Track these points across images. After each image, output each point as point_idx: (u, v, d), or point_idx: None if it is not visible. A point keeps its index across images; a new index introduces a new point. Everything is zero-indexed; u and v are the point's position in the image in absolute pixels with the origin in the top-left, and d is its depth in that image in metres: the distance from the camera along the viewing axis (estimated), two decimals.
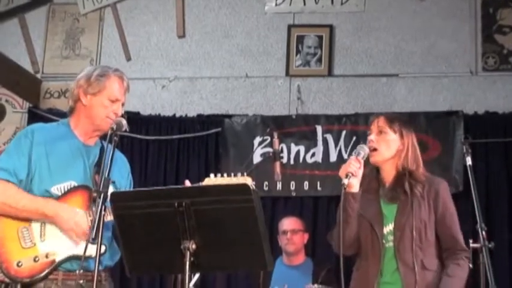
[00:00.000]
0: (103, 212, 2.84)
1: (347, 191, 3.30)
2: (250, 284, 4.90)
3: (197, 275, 4.62)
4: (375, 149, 3.41)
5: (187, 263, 2.65)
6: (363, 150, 3.38)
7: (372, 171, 3.49)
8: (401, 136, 3.45)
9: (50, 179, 3.11)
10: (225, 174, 3.45)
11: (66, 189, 3.12)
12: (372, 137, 3.45)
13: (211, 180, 3.45)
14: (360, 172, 3.33)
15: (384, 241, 3.35)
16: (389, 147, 3.43)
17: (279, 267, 5.30)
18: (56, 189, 3.11)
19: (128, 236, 2.78)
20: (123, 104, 3.29)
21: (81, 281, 3.00)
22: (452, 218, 3.43)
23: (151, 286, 6.08)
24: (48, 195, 3.10)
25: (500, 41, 6.23)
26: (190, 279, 2.79)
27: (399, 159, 3.43)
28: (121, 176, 3.34)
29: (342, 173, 3.32)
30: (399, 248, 3.31)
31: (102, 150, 3.21)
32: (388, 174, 3.46)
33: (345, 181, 3.27)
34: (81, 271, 2.96)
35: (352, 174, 3.28)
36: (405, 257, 3.30)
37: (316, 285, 4.70)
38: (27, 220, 3.07)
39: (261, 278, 5.10)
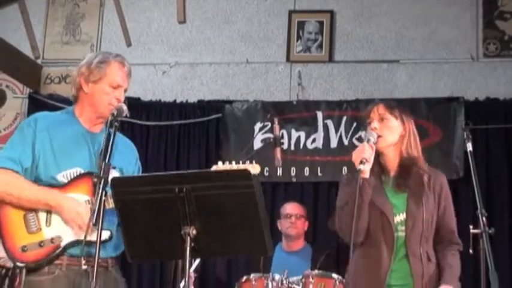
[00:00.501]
0: (103, 198, 2.83)
1: (361, 176, 3.28)
2: (250, 269, 4.90)
3: (197, 261, 4.65)
4: (379, 136, 3.41)
5: (188, 248, 2.65)
6: (372, 136, 3.36)
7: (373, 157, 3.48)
8: (403, 122, 3.45)
9: (55, 166, 3.10)
10: (233, 162, 3.41)
11: (72, 176, 3.11)
12: (375, 124, 3.44)
13: (219, 167, 3.39)
14: (372, 158, 3.33)
15: (394, 230, 3.35)
16: (393, 132, 3.42)
17: (279, 253, 5.31)
18: (62, 177, 3.10)
19: (128, 222, 2.79)
20: (125, 90, 3.27)
21: (86, 267, 3.00)
22: (452, 212, 3.47)
23: (151, 272, 6.10)
24: (54, 182, 3.08)
25: (501, 27, 6.21)
26: (190, 265, 2.80)
27: (402, 144, 3.43)
28: (129, 162, 3.34)
29: (356, 158, 3.30)
30: (410, 238, 3.32)
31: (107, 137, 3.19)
32: (392, 162, 3.45)
33: (361, 167, 3.25)
34: (85, 256, 2.95)
35: (366, 160, 3.28)
36: (414, 247, 3.32)
37: (315, 270, 4.71)
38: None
39: (261, 264, 5.11)
